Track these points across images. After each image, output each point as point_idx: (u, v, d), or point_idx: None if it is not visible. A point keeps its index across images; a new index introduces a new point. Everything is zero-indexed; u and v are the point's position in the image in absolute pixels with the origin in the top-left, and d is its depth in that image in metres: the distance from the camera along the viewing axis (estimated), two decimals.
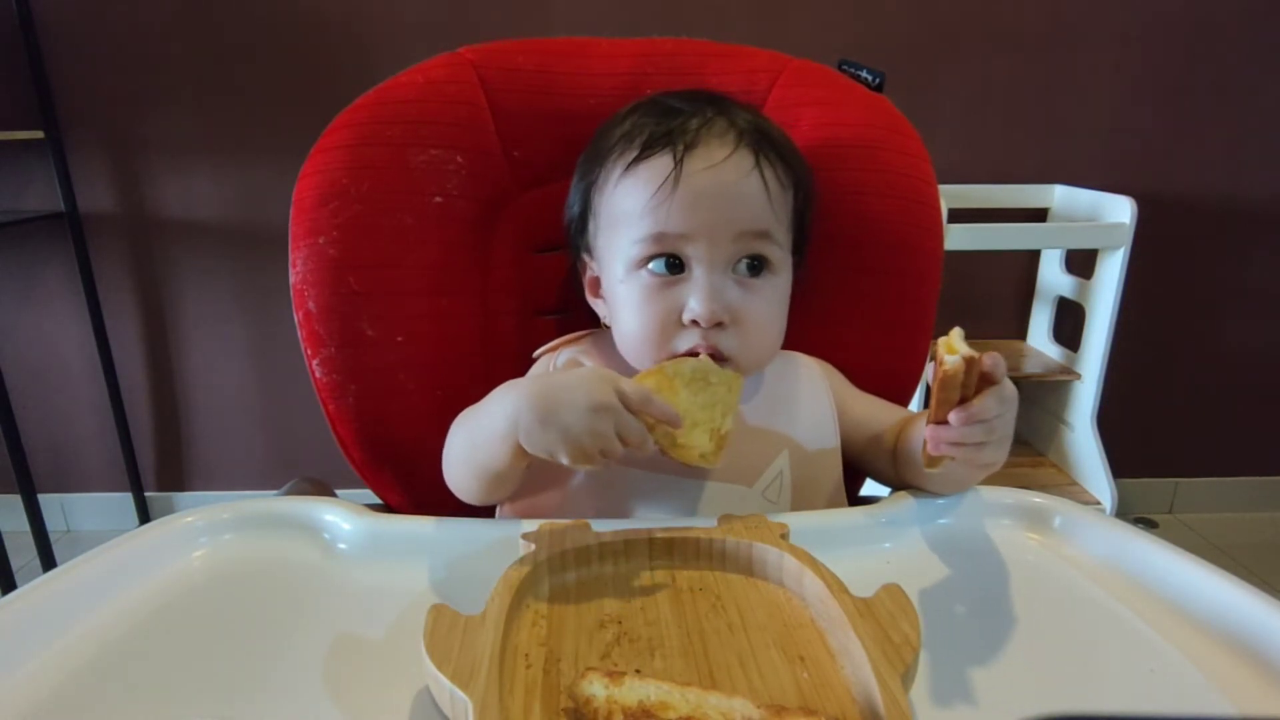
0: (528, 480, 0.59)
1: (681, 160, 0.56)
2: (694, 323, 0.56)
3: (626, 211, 0.58)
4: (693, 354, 0.56)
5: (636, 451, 0.49)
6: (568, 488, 0.60)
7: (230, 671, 0.42)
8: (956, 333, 0.46)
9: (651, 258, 0.57)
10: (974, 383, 0.47)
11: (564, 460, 0.49)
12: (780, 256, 0.60)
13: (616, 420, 0.48)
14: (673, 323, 0.57)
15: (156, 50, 1.56)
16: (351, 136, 0.65)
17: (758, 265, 0.58)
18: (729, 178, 0.57)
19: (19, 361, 1.73)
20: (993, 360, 0.47)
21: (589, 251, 0.64)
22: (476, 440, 0.54)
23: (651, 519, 0.58)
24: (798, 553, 0.47)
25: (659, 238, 0.57)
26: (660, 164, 0.57)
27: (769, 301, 0.59)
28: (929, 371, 0.48)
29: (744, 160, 0.57)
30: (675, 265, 0.57)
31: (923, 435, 0.50)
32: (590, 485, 0.60)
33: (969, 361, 0.46)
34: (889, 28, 1.57)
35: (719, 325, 0.56)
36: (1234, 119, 1.64)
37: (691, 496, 0.59)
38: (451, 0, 1.54)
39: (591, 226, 0.63)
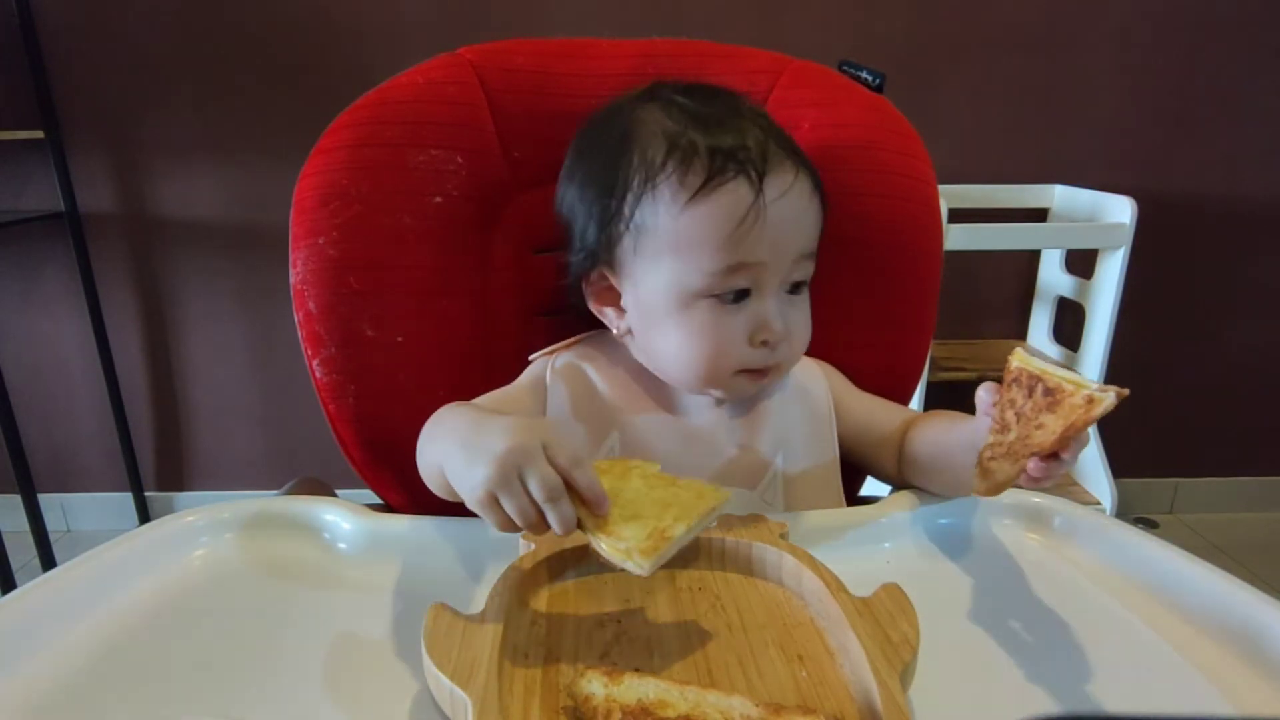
0: None
1: (762, 189, 0.54)
2: (764, 343, 0.57)
3: (694, 239, 0.55)
4: (759, 372, 0.58)
5: (554, 518, 0.41)
6: None
7: (230, 671, 0.42)
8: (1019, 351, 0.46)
9: (725, 286, 0.56)
10: (1035, 400, 0.43)
11: (481, 513, 0.43)
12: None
13: (527, 468, 0.40)
14: (738, 344, 0.57)
15: (156, 50, 1.56)
16: (352, 137, 0.65)
17: (800, 282, 0.59)
18: (800, 204, 0.57)
19: (19, 361, 1.73)
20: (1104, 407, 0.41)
21: (610, 265, 0.60)
22: (429, 470, 0.52)
23: None
24: (797, 552, 0.47)
25: (739, 268, 0.55)
26: (738, 192, 0.54)
27: (805, 312, 0.61)
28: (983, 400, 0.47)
29: (805, 183, 0.58)
30: (743, 292, 0.57)
31: (951, 444, 0.52)
32: None
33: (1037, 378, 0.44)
34: (889, 28, 1.57)
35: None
36: (1234, 119, 1.64)
37: None
38: (451, 0, 1.54)
39: (627, 243, 0.58)
